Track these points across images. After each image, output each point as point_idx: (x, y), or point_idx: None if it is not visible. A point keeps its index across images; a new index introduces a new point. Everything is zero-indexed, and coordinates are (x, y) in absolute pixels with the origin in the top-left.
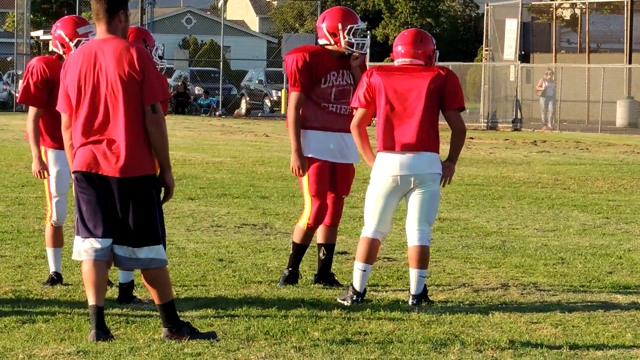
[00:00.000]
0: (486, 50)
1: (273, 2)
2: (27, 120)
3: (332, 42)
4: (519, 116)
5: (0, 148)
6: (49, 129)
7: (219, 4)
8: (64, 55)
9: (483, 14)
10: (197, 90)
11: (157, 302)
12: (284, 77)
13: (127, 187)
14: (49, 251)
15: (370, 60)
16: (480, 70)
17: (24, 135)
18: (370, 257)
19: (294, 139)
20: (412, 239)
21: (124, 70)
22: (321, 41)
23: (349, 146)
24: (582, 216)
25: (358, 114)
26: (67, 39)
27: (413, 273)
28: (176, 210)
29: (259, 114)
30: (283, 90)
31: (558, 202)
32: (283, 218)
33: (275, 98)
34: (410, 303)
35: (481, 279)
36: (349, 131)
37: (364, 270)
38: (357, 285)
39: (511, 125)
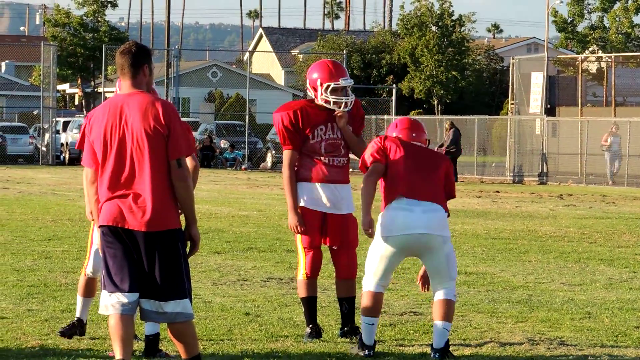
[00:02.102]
0: (512, 103)
1: (298, 55)
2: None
3: (314, 96)
4: (545, 170)
5: (26, 202)
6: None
7: (245, 58)
8: None
9: (508, 67)
10: (223, 143)
11: (183, 356)
12: None
13: (153, 241)
14: (79, 300)
15: (397, 114)
16: (506, 124)
17: (50, 189)
18: (376, 310)
19: (290, 196)
20: (439, 294)
21: (150, 125)
22: (309, 94)
23: (342, 197)
24: (608, 270)
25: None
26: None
27: (437, 325)
28: (202, 264)
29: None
30: None
31: (584, 256)
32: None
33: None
34: (432, 357)
35: (508, 334)
36: (341, 182)
37: (372, 324)
38: (367, 340)
39: (537, 178)
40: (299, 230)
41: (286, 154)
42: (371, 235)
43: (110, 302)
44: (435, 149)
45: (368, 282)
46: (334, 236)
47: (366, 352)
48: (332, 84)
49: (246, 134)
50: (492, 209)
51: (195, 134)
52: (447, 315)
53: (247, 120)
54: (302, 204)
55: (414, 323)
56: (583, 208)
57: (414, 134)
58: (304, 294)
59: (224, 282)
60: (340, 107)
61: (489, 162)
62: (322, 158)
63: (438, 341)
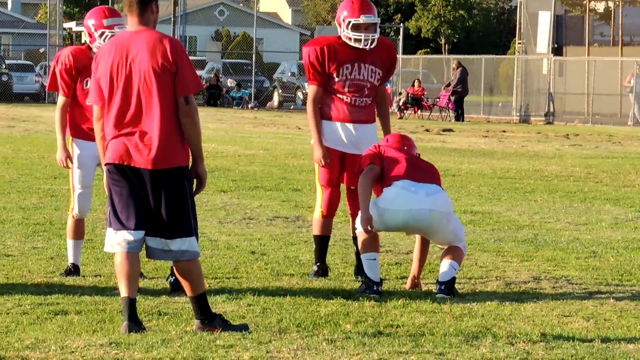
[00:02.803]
0: (519, 43)
1: None
2: (57, 110)
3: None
4: (551, 109)
5: (32, 140)
6: (75, 120)
7: None
8: (91, 46)
9: (516, 6)
10: (230, 82)
11: (189, 294)
12: None
13: (159, 179)
14: (69, 243)
15: (403, 53)
16: (512, 64)
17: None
18: (374, 246)
19: (315, 131)
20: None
21: (157, 62)
22: (339, 32)
23: (361, 138)
24: (614, 210)
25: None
26: (92, 29)
27: (445, 262)
28: (208, 203)
29: (292, 107)
30: None
31: (590, 195)
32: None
33: (307, 91)
34: (437, 290)
35: (513, 272)
36: (363, 122)
37: (374, 259)
38: (372, 276)
39: (544, 118)
40: (323, 164)
41: (311, 89)
42: (369, 233)
43: (116, 240)
44: (442, 88)
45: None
46: (351, 176)
47: (374, 288)
48: (353, 20)
49: (253, 73)
50: (499, 148)
51: (201, 72)
52: (456, 256)
53: (254, 59)
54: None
55: None
56: (589, 148)
57: (405, 147)
58: (318, 232)
59: (229, 220)
60: (360, 45)
61: (496, 102)
62: (345, 97)
63: (444, 275)
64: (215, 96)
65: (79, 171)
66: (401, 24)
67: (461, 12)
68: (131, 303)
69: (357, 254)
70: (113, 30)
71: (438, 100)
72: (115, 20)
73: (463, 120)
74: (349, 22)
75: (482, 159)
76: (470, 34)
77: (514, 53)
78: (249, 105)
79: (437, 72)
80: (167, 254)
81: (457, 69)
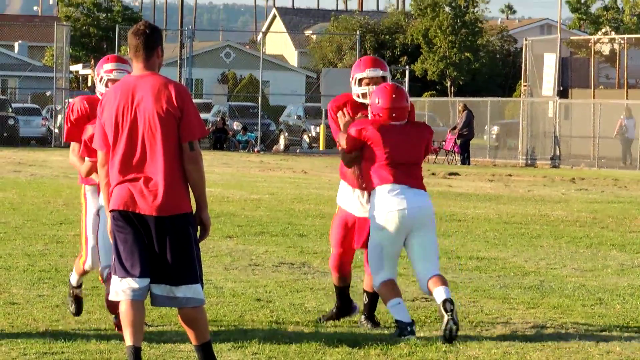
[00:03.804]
0: (525, 85)
1: (312, 36)
2: (71, 156)
3: None
4: (557, 153)
5: (38, 185)
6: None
7: (258, 38)
8: (98, 95)
9: (522, 48)
10: (236, 125)
11: (194, 342)
12: (323, 112)
13: (164, 225)
14: (77, 276)
15: (410, 95)
16: (518, 106)
17: (62, 172)
18: (396, 292)
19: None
20: (433, 282)
21: (162, 107)
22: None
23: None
24: (620, 256)
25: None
26: (96, 75)
27: (439, 289)
28: (214, 249)
29: (298, 150)
30: (321, 126)
31: (596, 241)
32: (321, 257)
33: (313, 134)
34: (444, 310)
35: (519, 320)
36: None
37: (399, 304)
38: (403, 318)
39: (549, 162)
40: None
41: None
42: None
43: (121, 288)
44: (449, 131)
45: (377, 278)
46: (359, 237)
47: (408, 329)
48: (358, 75)
49: (259, 116)
50: (505, 192)
51: (208, 115)
52: (445, 282)
53: (260, 102)
54: (338, 202)
55: (425, 309)
56: (595, 192)
57: (393, 114)
58: (335, 283)
59: (235, 267)
60: (365, 100)
61: (502, 145)
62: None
63: (446, 293)
64: (221, 140)
65: (93, 219)
66: (407, 66)
67: (467, 54)
68: (136, 352)
69: (365, 305)
70: (110, 75)
71: (444, 143)
72: (116, 65)
73: (469, 164)
74: (357, 78)
75: (488, 204)
76: (476, 76)
77: (520, 95)
78: (255, 149)
79: (443, 115)
80: (173, 301)
81: (463, 111)
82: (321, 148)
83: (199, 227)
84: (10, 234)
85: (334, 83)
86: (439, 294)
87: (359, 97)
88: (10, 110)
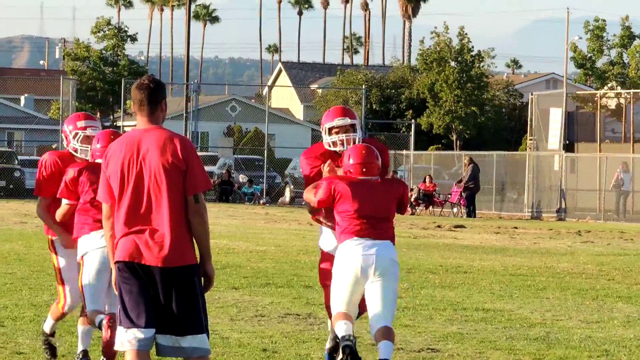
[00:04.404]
0: (530, 139)
1: (317, 90)
2: (39, 210)
3: None
4: (563, 206)
5: (44, 236)
6: (56, 219)
7: (264, 92)
8: (67, 148)
9: (527, 102)
10: (242, 178)
11: None
12: None
13: (170, 276)
14: (50, 320)
15: (415, 148)
16: (524, 160)
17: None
18: (348, 318)
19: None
20: (378, 330)
21: (168, 160)
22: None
23: None
24: (626, 308)
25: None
26: (68, 132)
27: (383, 342)
28: (220, 300)
29: (303, 203)
30: None
31: (602, 293)
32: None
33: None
34: None
35: None
36: None
37: (345, 324)
38: (344, 332)
39: (555, 214)
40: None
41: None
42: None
43: (127, 338)
44: (454, 184)
45: (335, 309)
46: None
47: (346, 337)
48: (327, 125)
49: (265, 169)
50: (510, 245)
51: (213, 168)
52: (391, 337)
53: (265, 155)
54: (322, 246)
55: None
56: (601, 245)
57: (364, 169)
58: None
59: (241, 317)
60: (336, 148)
61: (507, 198)
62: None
63: (383, 354)
64: (227, 192)
65: (66, 268)
66: (413, 120)
67: (473, 108)
68: None
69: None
70: (85, 131)
71: (450, 196)
72: (89, 122)
73: (475, 217)
74: (326, 127)
75: (494, 256)
76: (481, 130)
77: (526, 149)
78: (261, 201)
79: (448, 168)
80: (178, 351)
81: (469, 165)
82: None
83: (203, 279)
84: (17, 284)
85: None
86: (380, 350)
87: (329, 145)
88: (17, 162)
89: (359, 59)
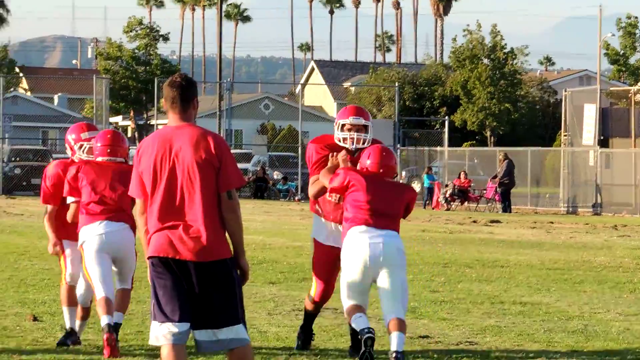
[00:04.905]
0: (565, 135)
1: (351, 88)
2: (46, 216)
3: None
4: (598, 201)
5: None
6: (62, 222)
7: (297, 90)
8: (72, 158)
9: (561, 99)
10: (276, 175)
11: None
12: None
13: (205, 271)
14: (65, 310)
15: (449, 145)
16: (559, 155)
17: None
18: (361, 309)
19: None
20: (391, 317)
21: (201, 157)
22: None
23: None
24: None
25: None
26: (72, 143)
27: (395, 334)
28: (257, 295)
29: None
30: None
31: None
32: None
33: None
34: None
35: None
36: None
37: (360, 316)
38: (364, 325)
39: (591, 209)
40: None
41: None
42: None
43: (162, 333)
44: (489, 180)
45: (346, 303)
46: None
47: (366, 331)
48: (341, 121)
49: (299, 166)
50: (547, 239)
51: (248, 165)
52: (403, 328)
53: (299, 152)
54: (315, 236)
55: (470, 353)
56: (638, 239)
57: (381, 170)
58: (309, 309)
59: (279, 312)
60: (347, 145)
61: (543, 193)
62: (334, 198)
63: (399, 346)
64: (262, 189)
65: (71, 262)
66: (446, 117)
67: (506, 105)
68: None
69: (352, 336)
70: (90, 143)
71: (485, 192)
72: (92, 133)
73: (510, 212)
74: (340, 123)
75: (530, 250)
76: (515, 127)
77: (560, 145)
78: (296, 198)
79: (483, 165)
80: (216, 344)
81: (504, 161)
82: None
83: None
84: (55, 280)
85: (373, 133)
86: (393, 342)
87: (340, 141)
88: (51, 160)
89: (391, 57)
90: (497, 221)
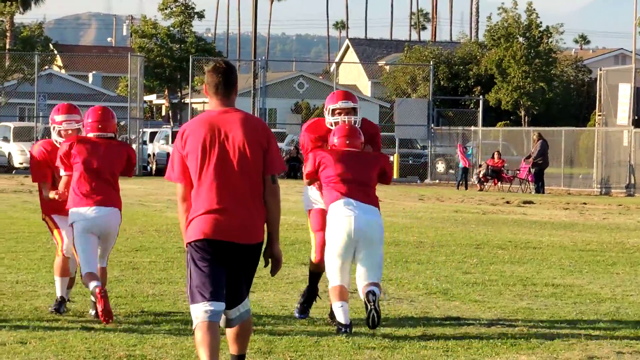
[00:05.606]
0: (599, 115)
1: (385, 66)
2: (41, 195)
3: None
4: (632, 181)
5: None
6: (52, 199)
7: (331, 69)
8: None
9: (596, 78)
10: None
11: (241, 352)
12: (397, 141)
13: (243, 252)
14: (57, 279)
15: (484, 124)
16: (593, 135)
17: (137, 200)
18: (344, 297)
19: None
20: (364, 285)
21: (251, 139)
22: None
23: None
24: None
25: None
26: (50, 124)
27: (369, 287)
28: (289, 275)
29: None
30: (395, 155)
31: None
32: (396, 283)
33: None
34: (367, 301)
35: (595, 346)
36: None
37: (341, 307)
38: (343, 320)
39: (624, 190)
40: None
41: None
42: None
43: (198, 313)
44: (523, 160)
45: (330, 282)
46: None
47: (344, 330)
48: (331, 106)
49: None
50: (580, 220)
51: (282, 144)
52: (377, 286)
53: None
54: (314, 204)
55: (502, 334)
56: None
57: (347, 142)
58: (312, 269)
59: None
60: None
61: (576, 174)
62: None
63: (368, 288)
64: (295, 168)
65: (65, 235)
66: (481, 96)
67: (541, 84)
68: None
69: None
70: (61, 126)
71: (518, 172)
72: (66, 116)
73: (543, 192)
74: (330, 108)
75: (563, 232)
76: (550, 106)
77: (594, 125)
78: None
79: (516, 144)
80: (239, 318)
81: (538, 140)
82: (395, 176)
83: (270, 260)
84: None
85: (407, 113)
86: (365, 289)
87: (331, 125)
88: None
89: (426, 35)
90: (530, 202)
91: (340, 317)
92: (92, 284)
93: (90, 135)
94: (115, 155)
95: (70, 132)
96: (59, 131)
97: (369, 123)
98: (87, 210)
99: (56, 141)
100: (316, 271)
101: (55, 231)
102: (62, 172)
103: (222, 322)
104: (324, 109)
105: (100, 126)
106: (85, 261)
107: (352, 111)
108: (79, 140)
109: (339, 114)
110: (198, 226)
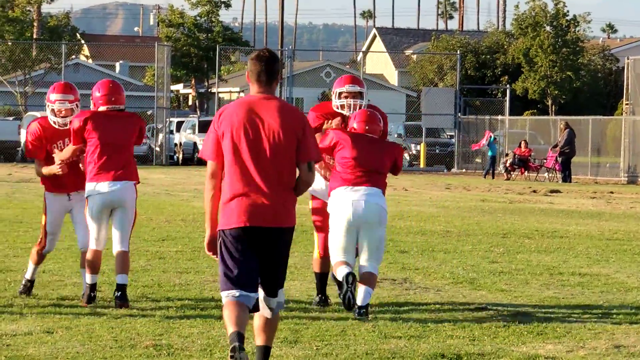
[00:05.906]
0: (626, 104)
1: (412, 56)
2: (37, 169)
3: None
4: None
5: (140, 202)
6: (47, 177)
7: (359, 58)
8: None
9: (623, 67)
10: None
11: (267, 343)
12: (424, 130)
13: (276, 237)
14: (31, 265)
15: (511, 114)
16: (620, 124)
17: (164, 190)
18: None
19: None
20: (364, 268)
21: (287, 126)
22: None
23: None
24: None
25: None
26: (46, 100)
27: (362, 288)
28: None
29: None
30: (422, 144)
31: None
32: (423, 273)
33: (414, 152)
34: (356, 314)
35: (622, 335)
36: None
37: (343, 267)
38: (339, 277)
39: None
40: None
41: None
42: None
43: (227, 295)
44: (550, 149)
45: (334, 260)
46: None
47: (347, 272)
48: (338, 90)
49: None
50: (606, 209)
51: None
52: (371, 283)
53: None
54: (315, 195)
55: (527, 324)
56: None
57: (367, 127)
58: (318, 269)
59: None
60: (344, 111)
61: (603, 163)
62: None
63: (363, 301)
64: None
65: (51, 219)
66: (508, 85)
67: (568, 73)
68: (240, 336)
69: (319, 285)
70: (54, 105)
71: (545, 161)
72: (60, 96)
73: (570, 181)
74: (337, 92)
75: (590, 220)
76: (577, 95)
77: (622, 114)
78: None
79: (543, 133)
80: (279, 306)
81: (565, 129)
82: (422, 165)
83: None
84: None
85: (434, 102)
86: (359, 296)
87: (338, 108)
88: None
89: (453, 25)
90: (557, 191)
91: (343, 272)
92: (87, 279)
93: (102, 108)
94: (129, 127)
95: (63, 111)
96: (52, 109)
97: (377, 109)
98: (102, 186)
99: (52, 120)
100: (321, 271)
101: (43, 230)
102: (71, 146)
103: (264, 310)
104: (332, 93)
105: (113, 99)
106: (93, 239)
107: (359, 95)
108: (93, 115)
109: (346, 97)
110: (231, 213)
